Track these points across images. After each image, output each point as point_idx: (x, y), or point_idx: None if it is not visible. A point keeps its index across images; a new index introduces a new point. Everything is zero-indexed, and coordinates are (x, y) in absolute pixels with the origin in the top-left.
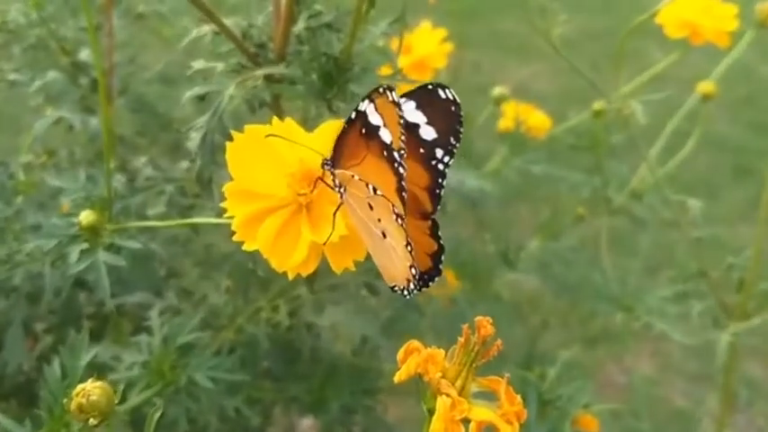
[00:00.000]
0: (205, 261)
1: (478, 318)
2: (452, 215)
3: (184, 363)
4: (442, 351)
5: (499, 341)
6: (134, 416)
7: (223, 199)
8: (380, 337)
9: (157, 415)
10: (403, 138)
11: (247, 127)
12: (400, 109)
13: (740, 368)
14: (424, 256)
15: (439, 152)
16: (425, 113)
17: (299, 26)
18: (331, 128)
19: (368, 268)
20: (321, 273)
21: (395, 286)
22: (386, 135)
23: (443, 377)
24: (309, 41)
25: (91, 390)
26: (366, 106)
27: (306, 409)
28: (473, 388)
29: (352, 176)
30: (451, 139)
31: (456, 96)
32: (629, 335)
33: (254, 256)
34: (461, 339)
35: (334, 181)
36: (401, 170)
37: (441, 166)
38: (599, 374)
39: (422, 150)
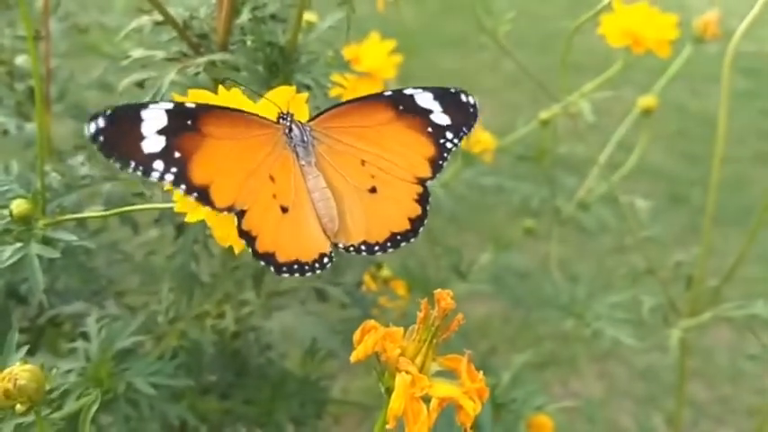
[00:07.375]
0: (146, 267)
1: (438, 291)
2: None
3: (123, 369)
4: (400, 329)
5: (460, 315)
6: (70, 426)
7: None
8: (332, 340)
9: (92, 411)
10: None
11: (190, 92)
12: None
13: (684, 390)
14: (405, 218)
15: (449, 134)
16: (442, 105)
17: (244, 17)
18: (282, 93)
19: (317, 275)
20: (270, 279)
21: (361, 244)
22: (442, 119)
23: (402, 355)
24: (254, 31)
25: (18, 373)
26: (420, 93)
27: (253, 423)
28: (433, 367)
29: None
30: (463, 128)
31: (477, 103)
32: (578, 355)
33: (197, 258)
34: (420, 314)
35: (291, 132)
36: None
37: (449, 145)
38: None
39: (430, 129)
